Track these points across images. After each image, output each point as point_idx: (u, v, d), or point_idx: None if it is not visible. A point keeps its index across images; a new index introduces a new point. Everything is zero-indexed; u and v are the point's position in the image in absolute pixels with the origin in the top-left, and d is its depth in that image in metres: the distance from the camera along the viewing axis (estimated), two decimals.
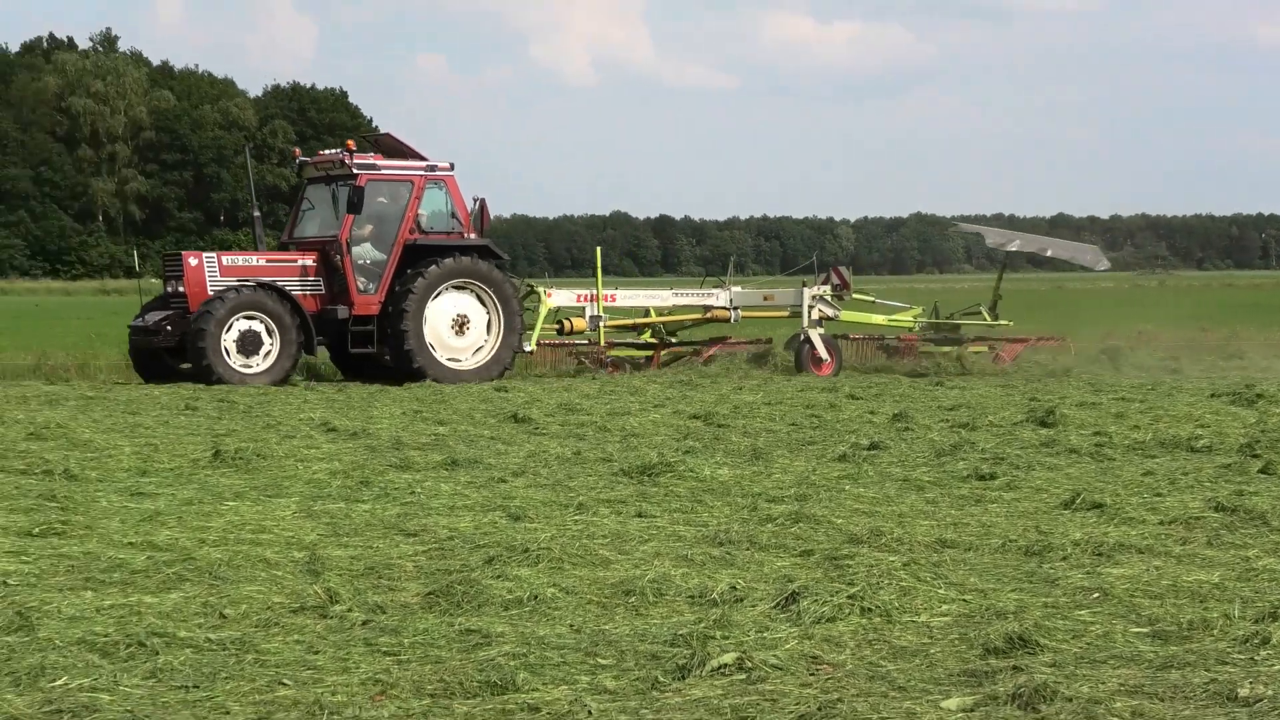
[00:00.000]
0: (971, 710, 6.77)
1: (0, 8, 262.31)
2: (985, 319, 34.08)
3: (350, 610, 8.90)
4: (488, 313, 28.85)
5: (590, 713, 6.92)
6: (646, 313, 32.52)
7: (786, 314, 32.22)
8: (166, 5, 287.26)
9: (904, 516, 12.18)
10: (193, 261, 28.15)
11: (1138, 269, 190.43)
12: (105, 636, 8.22)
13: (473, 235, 29.23)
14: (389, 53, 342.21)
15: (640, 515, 12.32)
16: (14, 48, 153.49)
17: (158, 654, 7.91)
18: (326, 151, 30.87)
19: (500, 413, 20.94)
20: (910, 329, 33.47)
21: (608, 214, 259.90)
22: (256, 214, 32.45)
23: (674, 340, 32.71)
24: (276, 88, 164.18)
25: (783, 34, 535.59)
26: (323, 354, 29.93)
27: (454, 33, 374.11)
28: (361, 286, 28.21)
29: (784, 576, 9.67)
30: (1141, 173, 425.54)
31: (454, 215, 29.22)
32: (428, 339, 28.19)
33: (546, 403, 22.67)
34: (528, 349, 29.75)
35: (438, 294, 28.34)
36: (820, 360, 30.08)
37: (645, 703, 7.07)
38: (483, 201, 29.74)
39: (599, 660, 7.87)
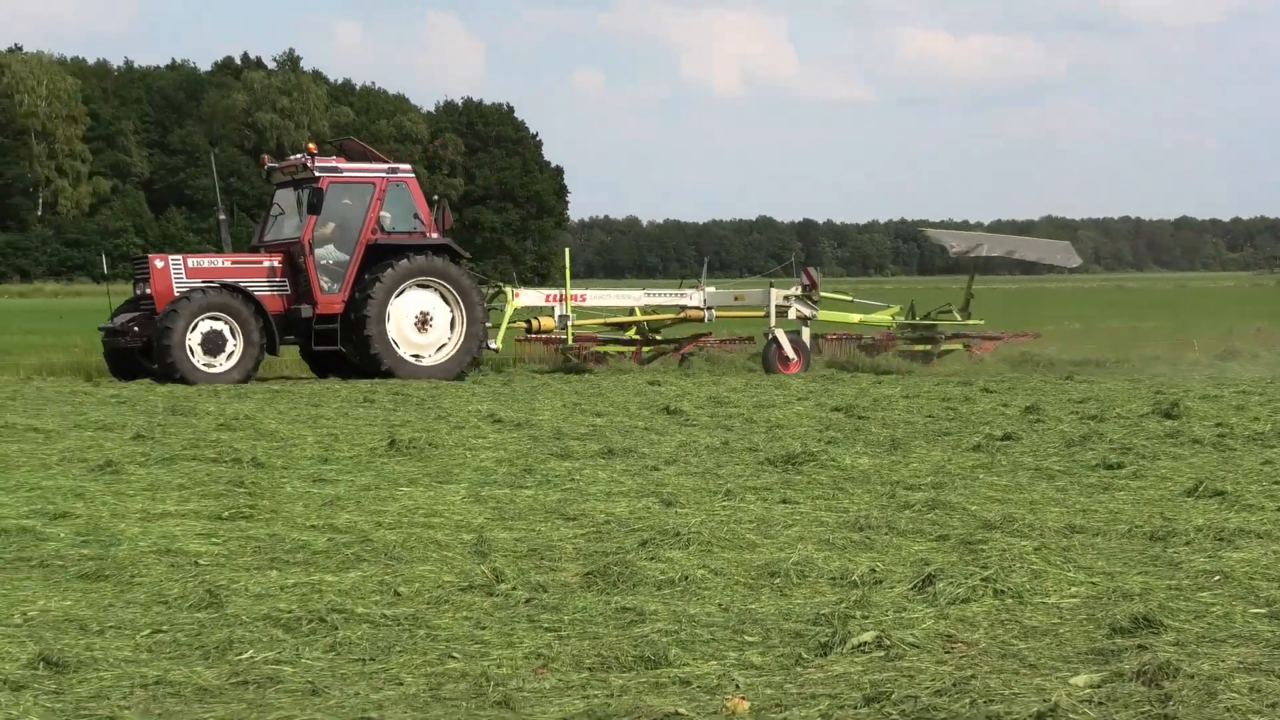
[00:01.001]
0: (1098, 686, 6.68)
1: (193, 30, 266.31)
2: (955, 318, 33.13)
3: (515, 589, 8.93)
4: (451, 310, 28.12)
5: (738, 686, 6.90)
6: (632, 312, 31.74)
7: (762, 313, 31.17)
8: (345, 28, 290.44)
9: (1035, 503, 12.07)
10: (159, 264, 27.59)
11: (1257, 269, 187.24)
12: (289, 612, 8.29)
13: (435, 235, 28.50)
14: (551, 70, 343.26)
15: (785, 502, 12.27)
16: (206, 67, 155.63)
17: (337, 629, 7.98)
18: (293, 156, 29.75)
19: (653, 405, 20.95)
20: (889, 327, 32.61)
21: (754, 218, 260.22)
22: (222, 217, 31.76)
23: (658, 337, 32.11)
24: (448, 103, 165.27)
25: (919, 48, 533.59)
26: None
27: (611, 51, 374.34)
28: (326, 286, 27.58)
29: (921, 560, 9.60)
30: (1261, 177, 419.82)
31: (416, 216, 28.52)
32: (391, 336, 27.54)
33: (697, 396, 22.66)
34: (493, 346, 29.11)
35: (400, 292, 27.64)
36: (787, 359, 29.22)
37: (789, 677, 7.05)
38: (444, 202, 29.37)
39: (746, 637, 7.85)
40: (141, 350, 27.09)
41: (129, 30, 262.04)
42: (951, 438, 17.01)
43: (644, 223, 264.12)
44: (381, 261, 27.53)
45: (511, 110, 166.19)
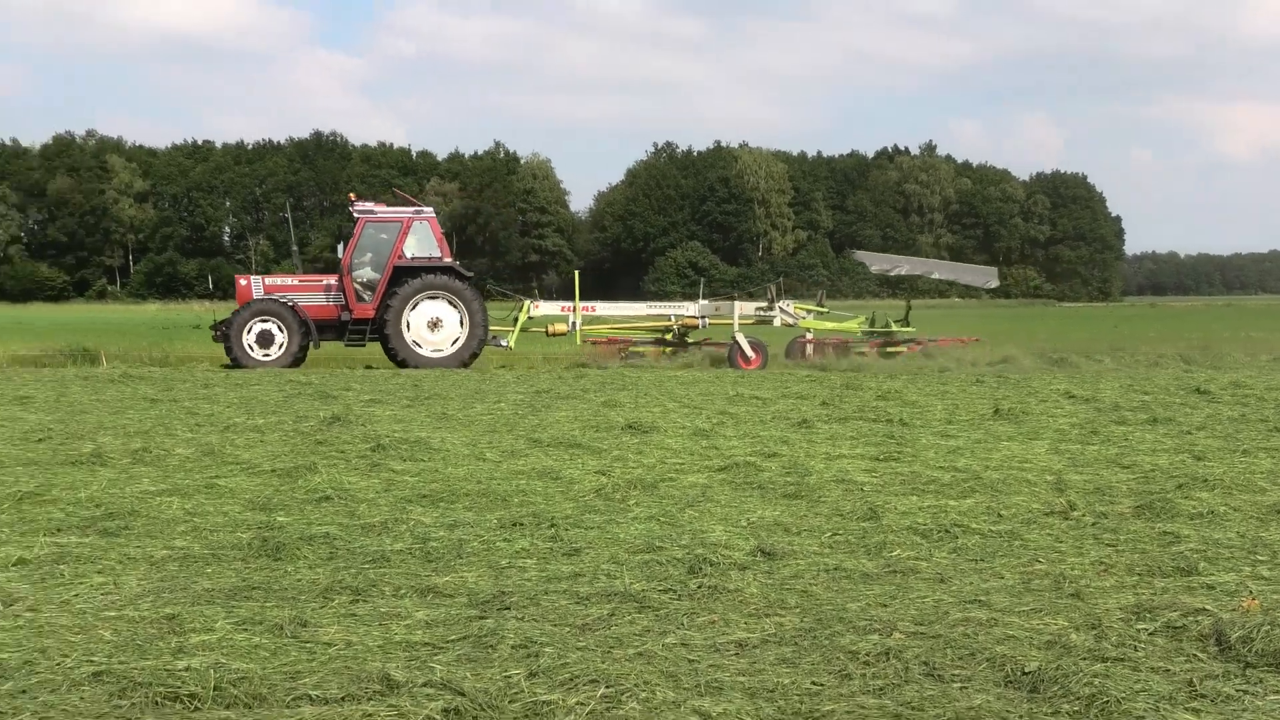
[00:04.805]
0: None
1: (863, 127, 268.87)
2: (891, 326, 28.94)
3: (1083, 516, 8.66)
4: (459, 316, 25.81)
5: (1251, 591, 6.49)
6: (677, 319, 28.26)
7: (752, 321, 27.95)
8: (966, 124, 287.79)
9: None
10: (243, 282, 26.41)
11: None
12: (923, 524, 8.28)
13: (447, 259, 26.19)
14: (1114, 146, 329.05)
15: None
16: (870, 153, 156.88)
17: (956, 538, 7.92)
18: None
19: (1186, 387, 19.78)
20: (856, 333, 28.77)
21: (1265, 251, 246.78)
22: (294, 248, 31.09)
23: (690, 340, 28.60)
24: (1039, 174, 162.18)
25: None
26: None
27: (1156, 131, 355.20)
28: (368, 298, 25.81)
29: None
30: None
31: (436, 246, 26.26)
32: (410, 335, 25.57)
33: (1221, 380, 21.23)
34: (504, 344, 26.49)
35: (418, 301, 25.63)
36: (748, 358, 26.02)
37: None
38: (451, 234, 27.03)
39: (1257, 558, 7.38)
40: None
41: (821, 129, 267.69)
42: None
43: (1181, 255, 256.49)
44: (402, 279, 25.93)
45: (1085, 177, 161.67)
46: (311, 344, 25.84)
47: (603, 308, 28.73)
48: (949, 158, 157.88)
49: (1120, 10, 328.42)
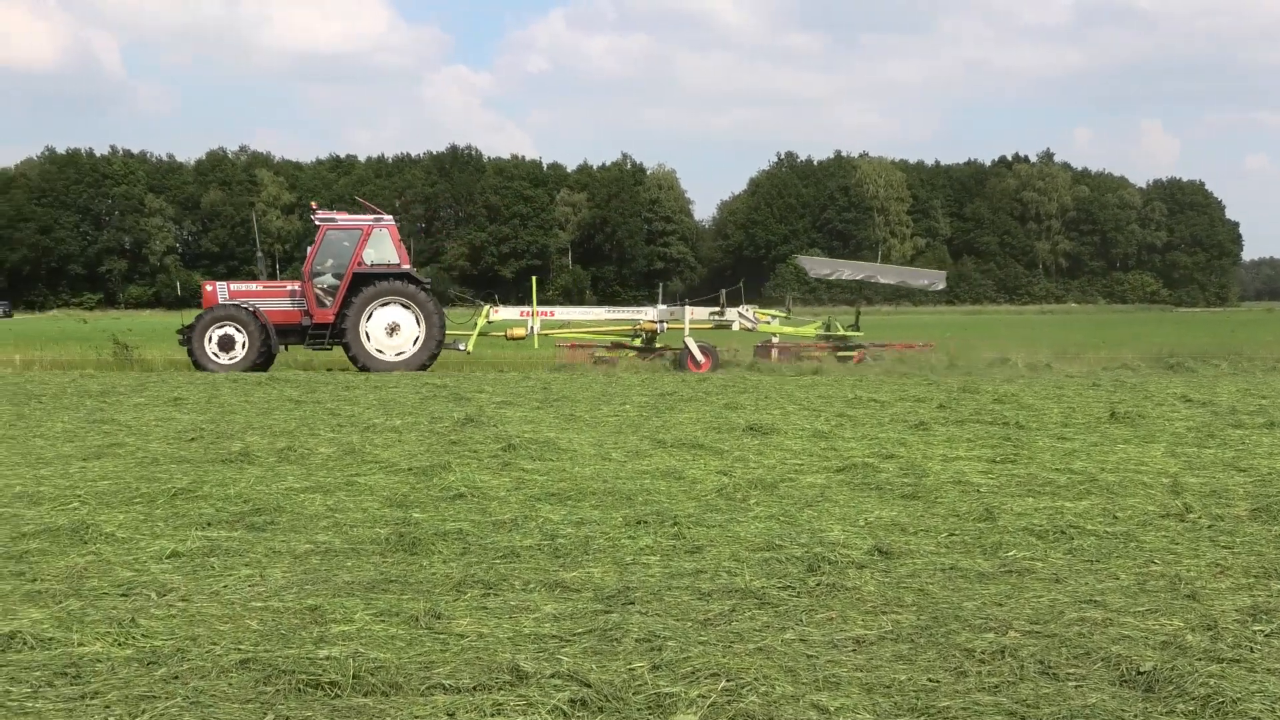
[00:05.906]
0: None
1: (982, 136, 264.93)
2: (840, 330, 28.20)
3: (1199, 518, 8.46)
4: (416, 321, 25.42)
5: None
6: (636, 323, 27.77)
7: (711, 326, 27.74)
8: (1081, 132, 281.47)
9: None
10: (209, 288, 26.27)
11: None
12: (1039, 525, 8.13)
13: (405, 266, 25.80)
14: (1231, 152, 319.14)
15: None
16: (987, 162, 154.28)
17: (1072, 539, 7.77)
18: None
19: None
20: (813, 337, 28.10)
21: None
22: (259, 254, 31.34)
23: (657, 345, 27.83)
24: (1156, 181, 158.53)
25: None
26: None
27: (1273, 137, 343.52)
28: (328, 303, 25.49)
29: None
30: None
31: (395, 253, 25.87)
32: (368, 339, 25.22)
33: None
34: (462, 348, 26.40)
35: (377, 307, 25.26)
36: (698, 361, 25.64)
37: None
38: (410, 241, 26.31)
39: None
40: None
41: (939, 138, 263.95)
42: None
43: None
44: (361, 286, 25.59)
45: (1203, 184, 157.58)
46: (275, 348, 25.79)
47: (562, 312, 28.70)
48: (1066, 165, 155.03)
49: (1236, 17, 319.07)
